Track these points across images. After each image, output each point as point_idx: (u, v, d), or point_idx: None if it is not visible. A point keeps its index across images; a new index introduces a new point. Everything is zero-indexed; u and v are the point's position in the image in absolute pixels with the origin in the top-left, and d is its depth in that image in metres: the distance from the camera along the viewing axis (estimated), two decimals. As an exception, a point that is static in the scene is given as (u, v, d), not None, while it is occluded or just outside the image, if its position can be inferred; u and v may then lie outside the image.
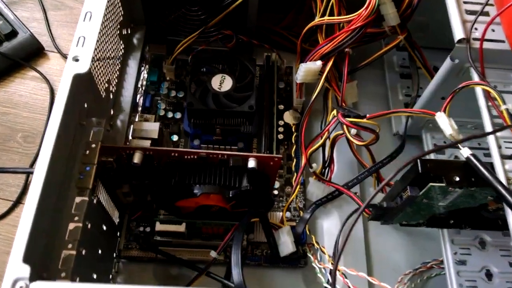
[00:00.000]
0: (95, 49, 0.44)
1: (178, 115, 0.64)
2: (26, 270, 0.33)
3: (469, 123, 0.63)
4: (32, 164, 0.62)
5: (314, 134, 0.64)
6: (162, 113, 0.64)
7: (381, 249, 0.59)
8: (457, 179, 0.44)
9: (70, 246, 0.41)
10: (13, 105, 0.67)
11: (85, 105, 0.47)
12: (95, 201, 0.46)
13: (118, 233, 0.56)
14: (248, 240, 0.55)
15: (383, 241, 0.60)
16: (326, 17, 0.58)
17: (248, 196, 0.46)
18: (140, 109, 0.64)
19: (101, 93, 0.52)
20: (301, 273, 0.56)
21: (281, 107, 0.65)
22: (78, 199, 0.43)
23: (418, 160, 0.45)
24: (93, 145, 0.46)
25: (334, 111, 0.49)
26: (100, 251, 0.49)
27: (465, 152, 0.44)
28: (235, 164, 0.46)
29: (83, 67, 0.42)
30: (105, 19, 0.50)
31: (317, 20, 0.58)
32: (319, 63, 0.57)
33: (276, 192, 0.59)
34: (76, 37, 0.43)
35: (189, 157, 0.47)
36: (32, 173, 0.60)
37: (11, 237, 0.58)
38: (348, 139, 0.56)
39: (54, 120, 0.40)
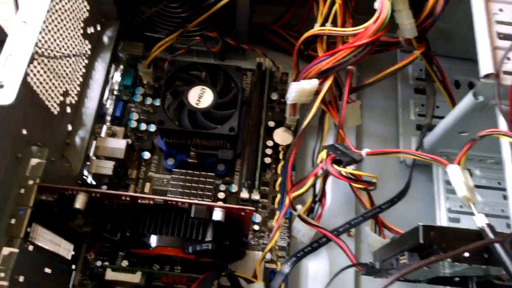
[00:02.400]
0: (32, 65, 0.36)
1: (152, 128, 0.56)
2: None
3: (488, 158, 0.53)
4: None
5: (309, 160, 0.56)
6: (134, 124, 0.56)
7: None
8: (467, 255, 0.35)
9: (-9, 310, 0.35)
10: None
11: (24, 132, 0.39)
12: (30, 248, 0.38)
13: (74, 266, 0.49)
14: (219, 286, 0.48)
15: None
16: (327, 27, 0.48)
17: (211, 253, 0.39)
18: (109, 119, 0.56)
19: (52, 109, 0.44)
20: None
21: (271, 124, 0.56)
22: (5, 251, 0.36)
23: (420, 227, 0.37)
24: (30, 182, 0.38)
25: (323, 153, 0.41)
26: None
27: (479, 221, 0.35)
28: (197, 215, 0.38)
29: (8, 96, 0.34)
30: (55, 22, 0.42)
31: (317, 29, 0.49)
32: (314, 82, 0.48)
33: (256, 227, 0.51)
34: (3, 54, 0.35)
35: (143, 201, 0.39)
36: None
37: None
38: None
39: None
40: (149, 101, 0.57)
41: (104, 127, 0.54)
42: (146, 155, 0.54)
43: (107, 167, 0.49)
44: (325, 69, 0.48)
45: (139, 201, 0.39)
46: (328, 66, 0.47)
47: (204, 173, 0.52)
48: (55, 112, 0.45)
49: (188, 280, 0.44)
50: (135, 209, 0.40)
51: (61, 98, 0.46)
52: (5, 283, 0.35)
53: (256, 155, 0.52)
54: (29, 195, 0.38)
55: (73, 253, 0.49)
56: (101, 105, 0.52)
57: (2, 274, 0.36)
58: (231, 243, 0.40)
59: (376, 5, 0.44)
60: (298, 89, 0.48)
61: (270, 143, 0.55)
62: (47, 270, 0.43)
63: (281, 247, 0.51)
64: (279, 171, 0.53)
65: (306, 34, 0.49)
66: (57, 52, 0.43)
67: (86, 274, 0.49)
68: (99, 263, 0.49)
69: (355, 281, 0.52)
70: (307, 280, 0.51)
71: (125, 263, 0.48)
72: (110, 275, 0.44)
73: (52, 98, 0.44)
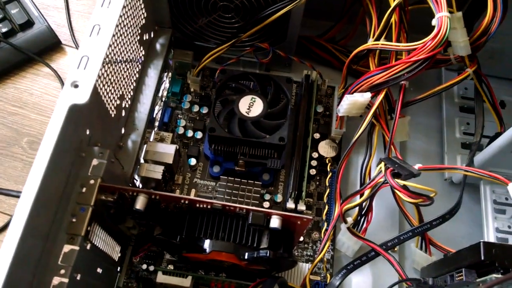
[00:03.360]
0: (102, 67, 0.37)
1: (199, 135, 0.56)
2: None
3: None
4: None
5: (352, 172, 0.56)
6: (181, 131, 0.56)
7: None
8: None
9: (52, 304, 0.35)
10: (22, 104, 0.61)
11: (87, 132, 0.40)
12: (88, 247, 0.39)
13: (119, 268, 0.49)
14: (263, 294, 0.48)
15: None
16: (381, 41, 0.49)
17: (267, 260, 0.39)
18: (157, 124, 0.56)
19: (110, 112, 0.45)
20: None
21: (317, 135, 0.56)
22: (66, 248, 0.37)
23: (482, 243, 0.36)
24: (92, 181, 0.39)
25: (382, 165, 0.41)
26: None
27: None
28: (255, 222, 0.38)
29: (82, 96, 0.35)
30: (121, 27, 0.43)
31: (371, 43, 0.49)
32: (367, 95, 0.48)
33: (300, 238, 0.51)
34: (79, 55, 0.36)
35: (201, 206, 0.39)
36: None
37: (4, 256, 0.52)
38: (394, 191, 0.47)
39: (41, 160, 0.33)
40: (196, 108, 0.58)
41: (153, 132, 0.55)
42: (193, 161, 0.55)
43: (157, 171, 0.49)
44: (377, 83, 0.48)
45: (197, 205, 0.39)
46: (381, 81, 0.48)
47: (251, 181, 0.52)
48: (112, 115, 0.46)
49: (236, 287, 0.44)
50: (191, 213, 0.40)
51: (118, 102, 0.47)
52: (66, 279, 0.36)
53: (303, 166, 0.52)
54: (91, 194, 0.38)
55: (119, 255, 0.49)
56: (152, 110, 0.53)
57: (63, 271, 0.36)
58: (284, 252, 0.40)
59: (434, 21, 0.44)
60: (351, 101, 0.48)
61: (315, 154, 0.55)
62: (99, 270, 0.43)
63: (327, 260, 0.51)
64: (326, 183, 0.53)
65: (360, 48, 0.49)
66: (118, 56, 0.44)
67: (131, 277, 0.49)
68: (144, 266, 0.49)
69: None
70: (349, 292, 0.51)
71: (170, 267, 0.48)
72: (161, 278, 0.44)
73: (111, 100, 0.45)
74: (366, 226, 0.50)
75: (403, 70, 0.46)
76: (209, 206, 0.39)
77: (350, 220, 0.47)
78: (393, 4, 0.47)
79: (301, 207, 0.51)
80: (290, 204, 0.51)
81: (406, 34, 0.49)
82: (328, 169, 0.53)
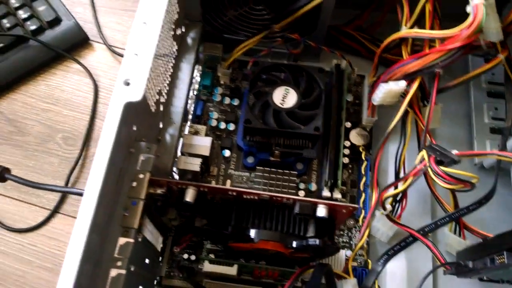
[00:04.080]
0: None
1: (232, 127, 0.57)
2: None
3: None
4: (71, 172, 0.57)
5: (383, 160, 0.56)
6: (214, 123, 0.57)
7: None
8: None
9: (111, 295, 0.36)
10: (54, 101, 0.61)
11: (134, 128, 0.41)
12: (140, 239, 0.40)
13: (160, 258, 0.51)
14: (302, 282, 0.49)
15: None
16: (415, 29, 0.49)
17: (314, 248, 0.40)
18: (190, 117, 0.57)
19: (151, 107, 0.46)
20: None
21: (348, 124, 0.57)
22: (122, 241, 0.38)
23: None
24: (141, 176, 0.40)
25: (423, 153, 0.41)
26: (141, 288, 0.44)
27: None
28: (302, 212, 0.39)
29: (136, 93, 0.35)
30: (163, 23, 0.43)
31: (405, 31, 0.49)
32: (403, 83, 0.49)
33: (338, 225, 0.52)
34: (128, 53, 0.37)
35: (248, 197, 0.40)
36: (69, 193, 0.56)
37: (46, 250, 0.54)
38: (427, 177, 0.48)
39: (101, 161, 0.34)
40: (227, 100, 0.59)
41: (187, 126, 0.56)
42: (227, 153, 0.56)
43: (195, 164, 0.50)
44: (412, 71, 0.49)
45: (244, 196, 0.40)
46: (415, 69, 0.48)
47: (287, 171, 0.53)
48: (153, 110, 0.46)
49: (279, 275, 0.46)
50: (238, 204, 0.41)
51: (157, 97, 0.48)
52: (123, 271, 0.37)
53: (338, 154, 0.53)
54: (141, 188, 0.39)
55: (161, 245, 0.50)
56: (186, 104, 0.54)
57: (120, 263, 0.37)
58: (330, 239, 0.41)
59: (469, 9, 0.44)
60: (387, 90, 0.49)
61: (346, 143, 0.56)
62: (147, 261, 0.45)
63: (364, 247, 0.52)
64: (363, 171, 0.53)
65: (394, 36, 0.50)
66: (159, 52, 0.45)
67: (173, 266, 0.51)
68: (185, 256, 0.51)
69: (433, 282, 0.52)
70: (385, 280, 0.52)
71: (211, 256, 0.50)
72: (208, 267, 0.45)
73: (151, 96, 0.45)
74: (400, 212, 0.51)
75: (438, 59, 0.47)
76: (256, 197, 0.40)
77: (388, 207, 0.48)
78: (427, -7, 0.47)
79: (337, 195, 0.52)
80: (326, 193, 0.52)
81: (439, 22, 0.49)
82: (363, 157, 0.54)
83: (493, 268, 0.41)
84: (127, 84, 0.36)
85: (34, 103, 0.61)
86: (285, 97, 0.52)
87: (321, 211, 0.39)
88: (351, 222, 0.53)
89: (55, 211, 0.55)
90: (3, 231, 0.54)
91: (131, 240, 0.38)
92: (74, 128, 0.60)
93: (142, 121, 0.43)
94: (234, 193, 0.40)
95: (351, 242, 0.52)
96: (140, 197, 0.39)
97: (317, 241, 0.38)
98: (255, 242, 0.40)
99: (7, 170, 0.48)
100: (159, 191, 0.41)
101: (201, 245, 0.51)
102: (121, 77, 0.36)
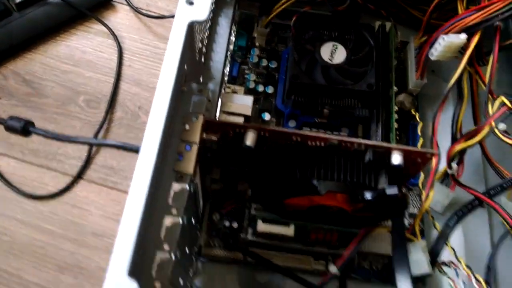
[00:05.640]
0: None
1: (270, 90, 0.53)
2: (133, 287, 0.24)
3: None
4: (96, 134, 0.52)
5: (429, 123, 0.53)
6: (252, 85, 0.53)
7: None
8: None
9: (166, 247, 0.31)
10: (75, 62, 0.57)
11: (185, 67, 0.37)
12: (192, 189, 0.36)
13: (199, 226, 0.46)
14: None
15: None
16: (474, -21, 0.46)
17: (387, 201, 0.36)
18: (226, 79, 0.53)
19: (196, 53, 0.42)
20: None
21: (394, 89, 0.54)
22: (176, 187, 0.33)
23: None
24: (194, 119, 0.36)
25: (502, 99, 0.38)
26: (187, 251, 0.39)
27: None
28: (376, 157, 0.35)
29: (201, 12, 0.31)
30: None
31: (463, -18, 0.46)
32: (463, 36, 0.45)
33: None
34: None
35: (314, 143, 0.36)
36: (96, 144, 0.51)
37: (69, 219, 0.48)
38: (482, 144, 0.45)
39: (165, 84, 0.30)
40: (264, 63, 0.55)
41: (224, 86, 0.52)
42: (266, 116, 0.52)
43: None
44: (471, 24, 0.45)
45: (309, 143, 0.36)
46: (475, 21, 0.45)
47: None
48: (197, 58, 0.42)
49: (339, 237, 0.41)
50: (298, 154, 0.37)
51: (199, 45, 0.44)
52: (179, 220, 0.32)
53: (389, 117, 0.50)
54: (196, 130, 0.35)
55: (201, 210, 0.46)
56: (226, 60, 0.50)
57: (175, 211, 0.33)
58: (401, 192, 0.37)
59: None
60: (447, 43, 0.45)
61: (395, 108, 0.53)
62: (193, 220, 0.40)
63: (411, 214, 0.48)
64: (419, 132, 0.50)
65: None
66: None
67: (212, 235, 0.46)
68: (227, 223, 0.46)
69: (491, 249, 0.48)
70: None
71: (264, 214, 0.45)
72: (261, 227, 0.40)
73: (195, 42, 0.41)
74: (457, 178, 0.48)
75: (500, 10, 0.44)
76: (322, 144, 0.36)
77: (454, 166, 0.44)
78: None
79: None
80: (377, 157, 0.48)
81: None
82: (418, 119, 0.51)
83: None
84: (191, 3, 0.31)
85: (53, 64, 0.56)
86: (333, 53, 0.48)
87: (396, 158, 0.35)
88: (403, 190, 0.49)
89: (79, 177, 0.50)
90: (21, 198, 0.49)
91: (186, 187, 0.33)
92: (97, 91, 0.55)
93: (190, 63, 0.38)
94: (299, 138, 0.36)
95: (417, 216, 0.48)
96: (195, 140, 0.35)
97: (396, 190, 0.34)
98: (321, 194, 0.36)
99: (31, 123, 0.43)
100: (213, 137, 0.37)
101: (243, 213, 0.47)
102: (182, -3, 0.32)
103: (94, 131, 0.53)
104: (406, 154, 0.36)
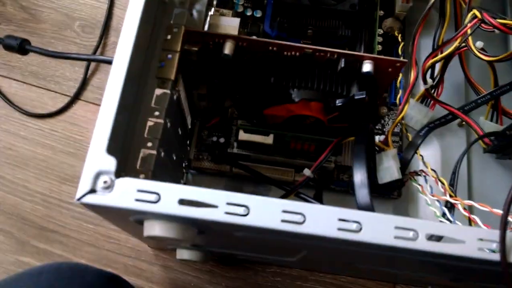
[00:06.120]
0: None
1: (259, 14, 0.54)
2: (111, 162, 0.27)
3: None
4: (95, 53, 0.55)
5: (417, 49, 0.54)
6: (240, 9, 0.54)
7: (485, 188, 0.51)
8: None
9: (149, 144, 0.34)
10: (70, -12, 0.58)
11: (167, -21, 0.38)
12: (175, 97, 0.38)
13: (188, 142, 0.49)
14: (336, 163, 0.48)
15: (489, 179, 0.51)
16: None
17: (357, 108, 0.38)
18: (215, 2, 0.54)
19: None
20: (392, 205, 0.50)
21: (381, 13, 0.54)
22: (158, 91, 0.36)
23: None
24: (175, 30, 0.38)
25: (475, 11, 0.39)
26: (174, 157, 0.42)
27: None
28: (347, 65, 0.37)
29: None
30: None
31: None
32: (444, -46, 0.46)
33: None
34: None
35: (289, 53, 0.38)
36: (95, 60, 0.54)
37: (68, 135, 0.52)
38: (461, 56, 0.46)
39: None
40: (253, -13, 0.56)
41: (212, 9, 0.53)
42: (254, 39, 0.53)
43: (224, 43, 0.48)
44: None
45: (285, 53, 0.38)
46: None
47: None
48: (180, -25, 0.44)
49: (317, 147, 0.44)
50: (276, 64, 0.39)
51: (184, -37, 0.45)
52: (161, 120, 0.35)
53: (373, 38, 0.51)
54: (177, 40, 0.37)
55: (190, 127, 0.49)
56: (212, -17, 0.51)
57: (157, 113, 0.35)
58: (373, 101, 0.39)
59: None
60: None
61: (380, 31, 0.54)
62: (180, 131, 0.43)
63: (394, 133, 0.51)
64: (399, 51, 0.51)
65: None
66: None
67: (201, 149, 0.49)
68: (214, 139, 0.49)
69: (467, 168, 0.51)
70: (418, 164, 0.50)
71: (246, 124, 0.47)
72: (243, 136, 0.43)
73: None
74: (437, 96, 0.49)
75: None
76: (297, 53, 0.38)
77: (430, 81, 0.46)
78: None
79: (371, 79, 0.50)
80: (360, 76, 0.50)
81: None
82: (399, 39, 0.52)
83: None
84: None
85: (48, -10, 0.58)
86: (318, -27, 0.49)
87: (367, 66, 0.37)
88: (384, 110, 0.52)
89: (76, 97, 0.53)
90: (23, 117, 0.52)
91: (167, 91, 0.36)
92: (92, 17, 0.57)
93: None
94: (275, 48, 0.38)
95: (384, 129, 0.51)
96: (176, 49, 0.37)
97: (364, 94, 0.36)
98: (296, 102, 0.38)
99: (27, 41, 0.46)
100: (194, 48, 0.39)
101: (230, 129, 0.50)
102: None
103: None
104: (376, 62, 0.37)
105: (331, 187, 0.49)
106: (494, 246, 0.25)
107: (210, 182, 0.49)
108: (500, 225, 0.25)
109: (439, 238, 0.26)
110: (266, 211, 0.26)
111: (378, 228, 0.25)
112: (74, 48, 0.55)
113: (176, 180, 0.46)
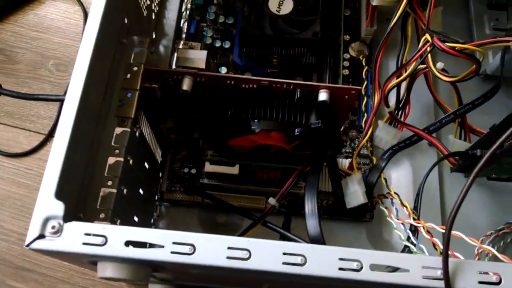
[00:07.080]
0: None
1: (227, 44, 0.56)
2: (59, 207, 0.27)
3: None
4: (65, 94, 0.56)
5: (384, 66, 0.55)
6: (209, 41, 0.56)
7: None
8: None
9: (110, 183, 0.35)
10: (43, 29, 0.60)
11: (125, 21, 0.39)
12: (137, 133, 0.39)
13: (160, 174, 0.50)
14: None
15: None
16: None
17: (316, 136, 0.39)
18: (184, 36, 0.56)
19: (143, 10, 0.44)
20: (365, 228, 0.50)
21: (347, 37, 0.56)
22: (118, 130, 0.36)
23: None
24: (135, 68, 0.39)
25: (427, 36, 0.40)
26: (141, 192, 0.43)
27: None
28: (303, 95, 0.38)
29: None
30: None
31: None
32: (400, -19, 0.47)
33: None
34: None
35: (247, 86, 0.39)
36: (63, 100, 0.55)
37: (42, 173, 0.52)
38: (427, 77, 0.47)
39: (89, 33, 0.33)
40: (221, 19, 0.57)
41: (181, 43, 0.54)
42: (223, 70, 0.54)
43: (191, 76, 0.49)
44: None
45: (243, 85, 0.39)
46: (413, -35, 0.47)
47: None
48: (144, 14, 0.45)
49: (282, 176, 0.44)
50: (236, 96, 0.40)
51: (148, 2, 0.46)
52: (121, 158, 0.36)
53: (338, 63, 0.52)
54: (136, 78, 0.38)
55: (161, 159, 0.49)
56: (179, 18, 0.53)
57: (117, 151, 0.36)
58: (331, 128, 0.40)
59: None
60: (385, -13, 0.47)
61: (346, 55, 0.55)
62: (146, 165, 0.44)
63: (364, 155, 0.51)
64: (363, 75, 0.52)
65: None
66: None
67: (173, 181, 0.50)
68: (186, 170, 0.50)
69: (439, 185, 0.51)
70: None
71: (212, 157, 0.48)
72: (209, 167, 0.44)
73: (141, -1, 0.44)
74: (404, 119, 0.50)
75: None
76: (255, 86, 0.39)
77: (392, 104, 0.47)
78: None
79: (338, 104, 0.51)
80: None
81: None
82: (363, 64, 0.53)
83: (502, 153, 0.40)
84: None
85: (23, 32, 0.59)
86: (281, 4, 0.50)
87: (323, 95, 0.38)
88: (354, 133, 0.52)
89: (50, 135, 0.54)
90: (-2, 157, 0.53)
91: (127, 129, 0.37)
92: (65, 55, 0.58)
93: (133, 18, 0.41)
94: (232, 82, 0.39)
95: (354, 152, 0.51)
96: (135, 87, 0.38)
97: (319, 123, 0.37)
98: (256, 133, 0.39)
99: (-2, 85, 0.47)
100: (154, 85, 0.40)
101: (202, 159, 0.50)
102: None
103: (63, 92, 0.56)
104: (332, 91, 0.38)
105: (302, 213, 0.49)
106: (439, 273, 0.25)
107: (183, 213, 0.50)
108: (442, 257, 0.25)
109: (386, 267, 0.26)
110: (211, 249, 0.26)
111: (322, 260, 0.25)
112: (48, 87, 0.57)
113: (146, 215, 0.46)
